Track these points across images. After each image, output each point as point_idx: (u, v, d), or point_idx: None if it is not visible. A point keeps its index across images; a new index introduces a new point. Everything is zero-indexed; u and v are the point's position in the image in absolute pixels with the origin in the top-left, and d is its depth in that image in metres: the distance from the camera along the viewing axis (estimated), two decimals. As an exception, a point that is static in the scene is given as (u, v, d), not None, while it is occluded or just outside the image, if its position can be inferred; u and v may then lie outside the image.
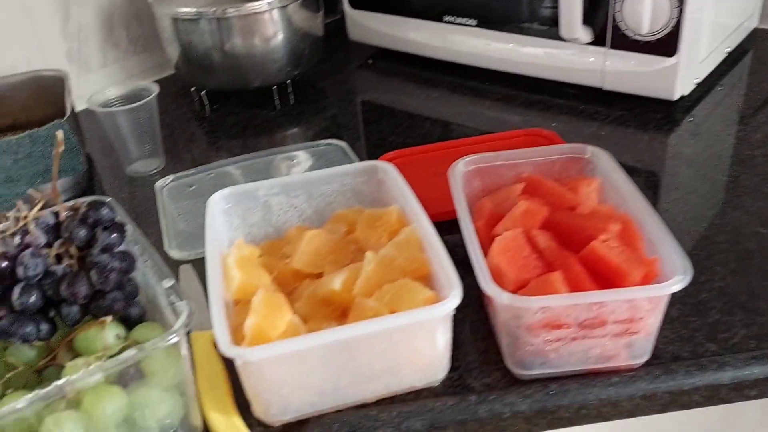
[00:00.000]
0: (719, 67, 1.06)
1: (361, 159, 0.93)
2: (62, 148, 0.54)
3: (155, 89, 0.93)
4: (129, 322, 0.56)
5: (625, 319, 0.52)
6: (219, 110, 1.14)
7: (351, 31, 1.26)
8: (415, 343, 0.54)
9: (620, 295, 0.50)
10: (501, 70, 1.09)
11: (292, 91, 1.16)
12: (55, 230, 0.56)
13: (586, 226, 0.58)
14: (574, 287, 0.53)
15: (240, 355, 0.49)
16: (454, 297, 0.52)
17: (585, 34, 0.95)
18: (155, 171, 0.96)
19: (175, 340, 0.47)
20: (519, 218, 0.61)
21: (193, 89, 1.16)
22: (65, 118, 0.85)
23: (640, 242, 0.58)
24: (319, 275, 0.66)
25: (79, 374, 0.45)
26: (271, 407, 0.54)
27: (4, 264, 0.52)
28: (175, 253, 0.76)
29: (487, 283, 0.52)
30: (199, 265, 0.75)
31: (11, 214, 0.54)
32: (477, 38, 1.09)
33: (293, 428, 0.55)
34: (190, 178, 0.92)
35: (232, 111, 1.13)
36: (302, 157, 0.96)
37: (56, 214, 0.56)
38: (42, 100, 1.01)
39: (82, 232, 0.54)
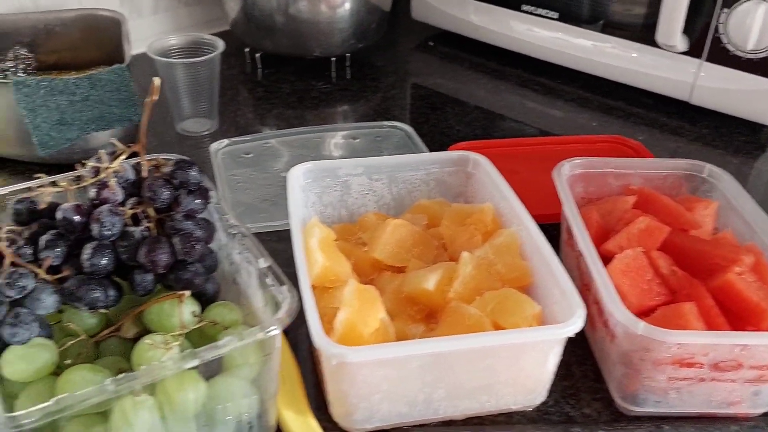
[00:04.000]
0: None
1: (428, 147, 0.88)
2: (156, 96, 0.47)
3: (220, 45, 0.86)
4: (202, 299, 0.50)
5: (763, 365, 0.46)
6: (271, 76, 1.07)
7: (415, 10, 1.19)
8: (522, 363, 0.48)
9: (770, 339, 0.45)
10: (577, 70, 1.03)
11: (350, 65, 1.10)
12: (133, 187, 0.49)
13: (713, 253, 0.53)
14: (707, 322, 0.48)
15: (340, 354, 0.43)
16: (578, 318, 0.46)
17: (682, 43, 0.89)
18: (207, 132, 0.90)
19: (276, 331, 0.42)
20: (637, 236, 0.55)
21: (247, 50, 1.09)
22: (126, 63, 0.78)
23: (773, 278, 0.52)
24: (401, 269, 0.60)
25: (171, 360, 0.39)
26: (356, 413, 0.48)
27: (77, 218, 0.46)
28: (234, 225, 0.70)
29: (618, 308, 0.46)
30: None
31: (90, 162, 0.48)
32: (555, 32, 1.03)
33: (374, 438, 0.50)
34: (247, 144, 0.86)
35: (286, 79, 1.06)
36: (363, 137, 0.90)
37: (137, 170, 0.50)
38: (91, 41, 0.94)
39: (166, 193, 0.48)
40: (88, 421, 0.41)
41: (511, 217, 0.59)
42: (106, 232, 0.46)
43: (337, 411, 0.50)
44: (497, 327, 0.50)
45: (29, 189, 0.51)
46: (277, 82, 1.05)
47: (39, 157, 0.76)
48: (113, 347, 0.48)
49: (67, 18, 0.92)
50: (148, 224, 0.48)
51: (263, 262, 0.47)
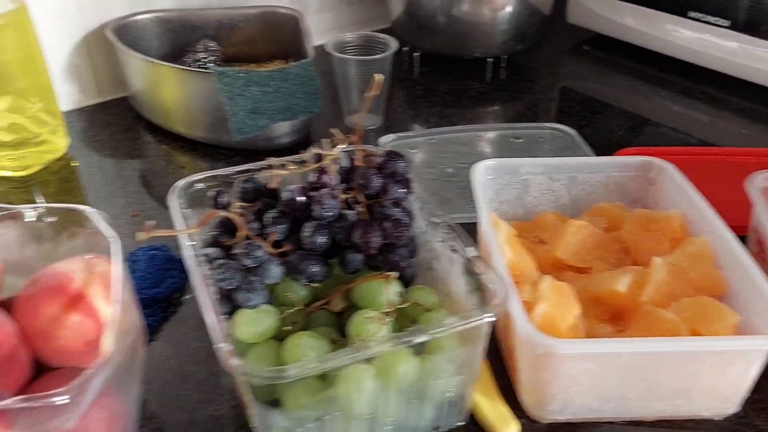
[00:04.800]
0: None
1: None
2: (377, 91, 0.50)
3: (393, 45, 0.89)
4: (402, 281, 0.53)
5: None
6: (428, 75, 1.10)
7: (570, 13, 1.19)
8: (725, 371, 0.48)
9: None
10: (747, 80, 1.00)
11: (504, 67, 1.11)
12: (345, 174, 0.53)
13: None
14: None
15: (549, 345, 0.45)
16: (789, 330, 0.46)
17: None
18: (372, 127, 0.93)
19: (492, 318, 0.43)
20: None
21: (405, 48, 1.12)
22: (311, 58, 0.83)
23: None
24: (581, 269, 0.61)
25: (402, 334, 0.42)
26: (551, 403, 0.49)
27: (301, 199, 0.50)
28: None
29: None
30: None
31: (313, 149, 0.51)
32: (724, 40, 1.00)
33: (562, 430, 0.51)
34: (412, 140, 0.89)
35: (442, 78, 1.08)
36: (526, 138, 0.91)
37: (351, 158, 0.53)
38: (269, 35, 1.00)
39: (378, 182, 0.51)
40: (314, 384, 0.44)
41: (701, 225, 0.59)
42: (326, 213, 0.49)
43: (529, 400, 0.51)
44: (694, 333, 0.50)
45: (251, 170, 0.55)
46: (434, 81, 1.08)
47: (226, 141, 0.82)
48: (320, 318, 0.51)
49: (249, 14, 0.98)
50: (360, 209, 0.51)
51: (472, 251, 0.49)
